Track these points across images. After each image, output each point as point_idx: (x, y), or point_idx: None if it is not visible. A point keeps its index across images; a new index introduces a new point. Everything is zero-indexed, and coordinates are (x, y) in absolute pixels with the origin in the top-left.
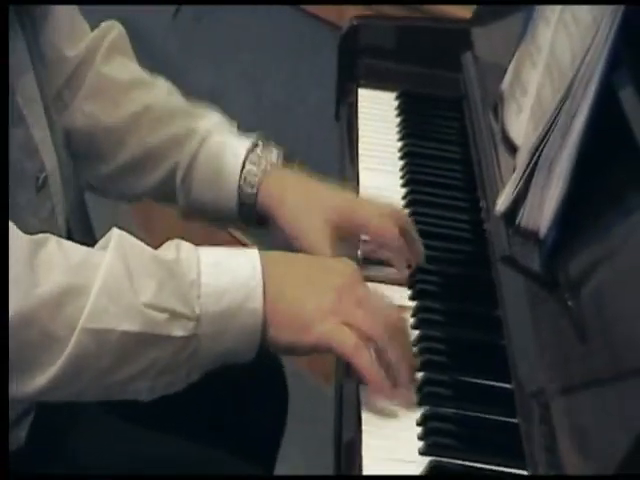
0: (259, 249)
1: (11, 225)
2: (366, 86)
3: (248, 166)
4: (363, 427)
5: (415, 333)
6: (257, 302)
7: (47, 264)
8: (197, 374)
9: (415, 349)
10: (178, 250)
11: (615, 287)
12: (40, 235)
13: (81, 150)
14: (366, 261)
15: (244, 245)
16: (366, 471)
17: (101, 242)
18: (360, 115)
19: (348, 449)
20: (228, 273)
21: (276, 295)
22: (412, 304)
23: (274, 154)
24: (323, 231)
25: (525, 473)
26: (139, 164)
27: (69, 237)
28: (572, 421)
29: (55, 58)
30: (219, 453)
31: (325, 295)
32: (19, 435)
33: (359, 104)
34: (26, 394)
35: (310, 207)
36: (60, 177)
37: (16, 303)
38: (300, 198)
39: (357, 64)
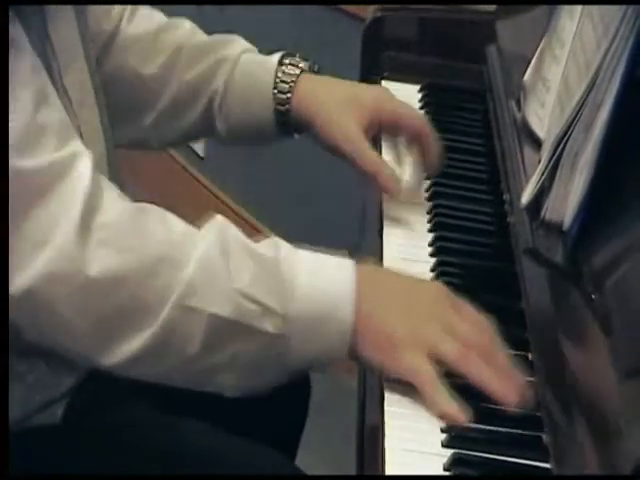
0: (274, 234)
1: (113, 192)
2: (389, 78)
3: (280, 75)
4: (386, 419)
5: None
6: (347, 313)
7: (147, 231)
8: (284, 377)
9: None
10: (277, 249)
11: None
12: (144, 204)
13: (124, 106)
14: None
15: (257, 231)
16: (389, 462)
17: (205, 225)
18: None
19: (371, 441)
20: (323, 280)
21: (368, 311)
22: None
23: (303, 63)
24: (359, 130)
25: (548, 466)
26: (179, 103)
27: None
28: (595, 415)
29: (94, 34)
30: (242, 439)
31: (414, 320)
32: (55, 412)
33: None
34: (113, 363)
35: (345, 107)
36: (107, 163)
37: (109, 265)
38: (334, 98)
39: (380, 56)
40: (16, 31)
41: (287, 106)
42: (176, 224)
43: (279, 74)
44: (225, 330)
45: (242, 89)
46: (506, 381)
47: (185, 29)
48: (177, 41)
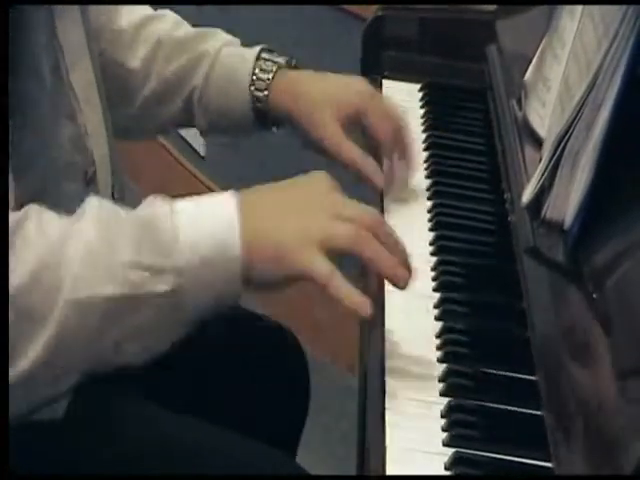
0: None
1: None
2: (390, 77)
3: (257, 70)
4: (387, 418)
5: (439, 325)
6: (235, 249)
7: (22, 245)
8: (187, 327)
9: (439, 341)
10: (152, 205)
11: None
12: (21, 213)
13: (111, 97)
14: None
15: None
16: (389, 462)
17: (78, 211)
18: None
19: (372, 440)
20: (204, 221)
21: (253, 232)
22: (436, 296)
23: (281, 59)
24: (336, 124)
25: (549, 465)
26: (160, 96)
27: None
28: (596, 414)
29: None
30: (242, 437)
31: (301, 220)
32: (58, 406)
33: (383, 95)
34: (15, 377)
35: (322, 102)
36: (110, 164)
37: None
38: (313, 92)
39: (381, 55)
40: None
41: (264, 102)
42: (51, 226)
43: (256, 70)
44: (122, 307)
45: (221, 84)
46: (398, 261)
47: (168, 22)
48: (158, 34)
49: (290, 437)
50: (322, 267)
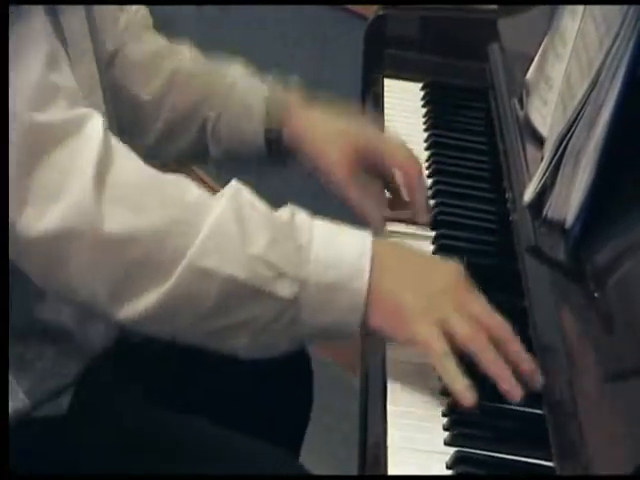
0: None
1: (127, 152)
2: (392, 76)
3: (272, 105)
4: (388, 418)
5: None
6: (362, 283)
7: (162, 193)
8: (297, 343)
9: None
10: (293, 214)
11: None
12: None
13: (124, 126)
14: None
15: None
16: (391, 461)
17: (220, 192)
18: (386, 105)
19: (373, 440)
20: (339, 248)
21: (381, 282)
22: None
23: (296, 93)
24: (345, 166)
25: (550, 464)
26: (173, 128)
27: None
28: (598, 413)
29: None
30: (245, 437)
31: (427, 295)
32: (61, 403)
33: (385, 94)
34: (125, 317)
35: (336, 142)
36: None
37: (124, 222)
38: (326, 133)
39: (383, 54)
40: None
41: (278, 137)
42: (192, 189)
43: (271, 105)
44: (239, 293)
45: (234, 118)
46: (512, 372)
47: (184, 54)
48: (174, 65)
49: (293, 437)
50: (438, 344)
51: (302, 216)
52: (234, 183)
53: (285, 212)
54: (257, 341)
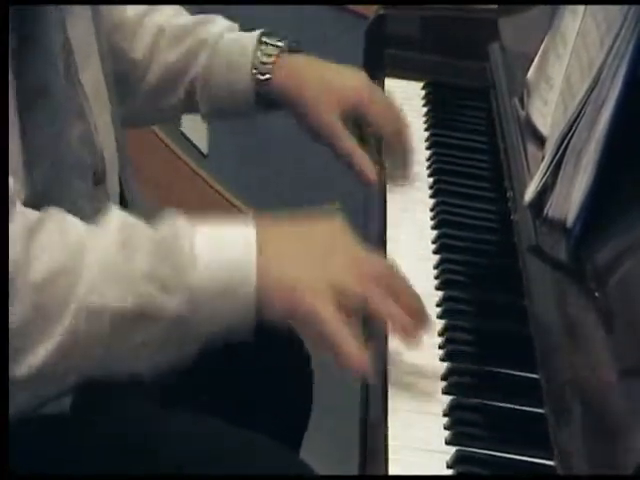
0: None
1: (18, 205)
2: (392, 76)
3: (259, 54)
4: (389, 417)
5: (441, 323)
6: (250, 285)
7: (42, 246)
8: (194, 349)
9: (441, 339)
10: (174, 224)
11: None
12: (42, 213)
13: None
14: None
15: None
16: (392, 460)
17: (100, 220)
18: None
19: (373, 439)
20: (222, 251)
21: (269, 270)
22: (438, 294)
23: (282, 42)
24: (336, 115)
25: (551, 464)
26: (163, 85)
27: None
28: (598, 412)
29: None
30: (246, 435)
31: (315, 265)
32: (63, 402)
33: (385, 94)
34: (22, 374)
35: (324, 90)
36: (118, 163)
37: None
38: (315, 80)
39: (383, 54)
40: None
41: (267, 86)
42: (73, 231)
43: (258, 54)
44: (131, 321)
45: (221, 71)
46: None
47: (168, 10)
48: (159, 23)
49: (293, 437)
50: (327, 310)
51: (183, 224)
52: (113, 210)
53: (166, 224)
54: (155, 359)
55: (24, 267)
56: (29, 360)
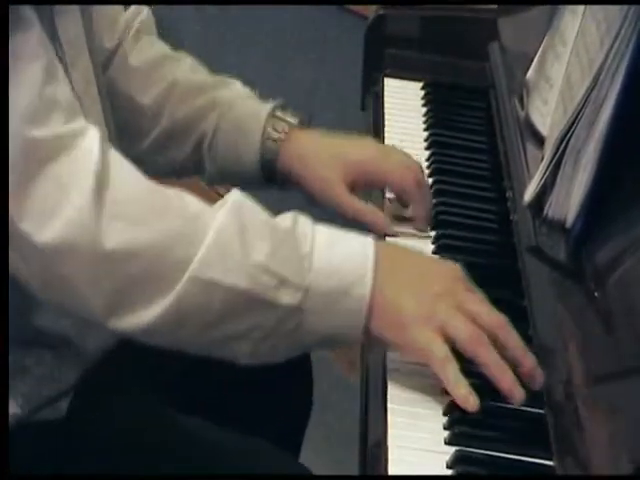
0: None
1: (125, 167)
2: (392, 76)
3: (269, 128)
4: (389, 417)
5: None
6: (365, 289)
7: (162, 207)
8: (300, 350)
9: None
10: (295, 221)
11: None
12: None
13: (120, 128)
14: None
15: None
16: (392, 460)
17: (220, 201)
18: (386, 105)
19: (373, 439)
20: (341, 254)
21: (382, 288)
22: None
23: (294, 119)
24: (342, 186)
25: (551, 464)
26: (170, 138)
27: None
28: (598, 412)
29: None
30: (245, 436)
31: (427, 299)
32: (60, 406)
33: (385, 94)
34: (129, 330)
35: (330, 164)
36: None
37: (124, 237)
38: (322, 155)
39: (383, 54)
40: (25, 10)
41: (274, 161)
42: (192, 202)
43: (268, 129)
44: (241, 302)
45: (231, 137)
46: (513, 372)
47: (185, 64)
48: (174, 75)
49: (293, 437)
50: (439, 351)
51: (304, 222)
52: (235, 192)
53: (287, 219)
54: (259, 349)
55: (139, 225)
56: (136, 318)
